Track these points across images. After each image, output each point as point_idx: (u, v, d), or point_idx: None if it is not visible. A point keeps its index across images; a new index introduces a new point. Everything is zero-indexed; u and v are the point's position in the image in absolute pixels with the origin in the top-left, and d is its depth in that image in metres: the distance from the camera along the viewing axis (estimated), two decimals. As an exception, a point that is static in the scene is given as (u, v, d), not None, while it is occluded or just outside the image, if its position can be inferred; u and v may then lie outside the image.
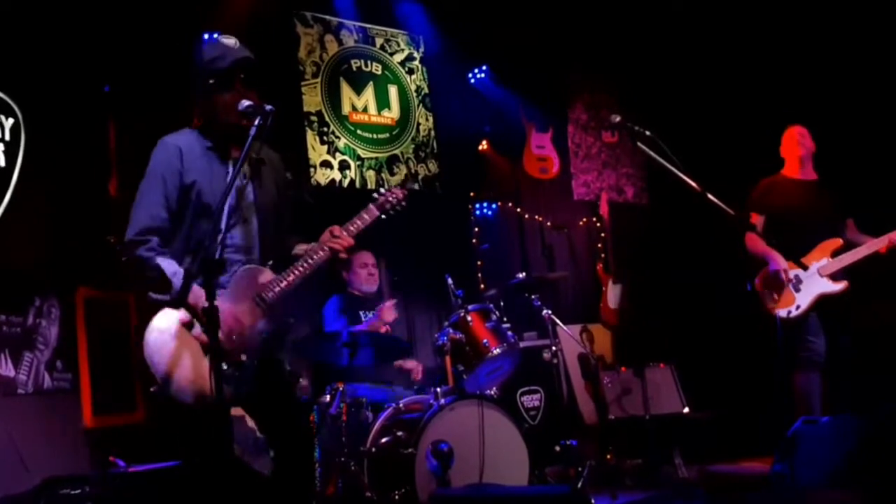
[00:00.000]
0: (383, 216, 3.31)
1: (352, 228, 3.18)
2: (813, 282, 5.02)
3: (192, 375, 2.82)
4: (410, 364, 5.54)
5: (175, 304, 2.88)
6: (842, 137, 6.17)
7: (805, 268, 4.96)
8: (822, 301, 4.99)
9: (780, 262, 5.06)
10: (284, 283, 3.00)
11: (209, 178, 3.03)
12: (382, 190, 3.37)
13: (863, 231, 5.19)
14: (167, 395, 2.81)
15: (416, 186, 6.89)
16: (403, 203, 3.36)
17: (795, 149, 5.30)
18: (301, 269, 3.02)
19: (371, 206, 3.29)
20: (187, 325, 2.88)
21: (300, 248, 3.19)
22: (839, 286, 4.99)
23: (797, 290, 5.04)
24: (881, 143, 6.55)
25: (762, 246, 5.14)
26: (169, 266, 2.89)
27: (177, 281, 2.87)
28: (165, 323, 2.89)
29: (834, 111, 6.46)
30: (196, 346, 2.88)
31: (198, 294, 2.83)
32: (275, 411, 3.07)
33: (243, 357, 2.89)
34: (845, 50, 6.75)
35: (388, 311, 5.18)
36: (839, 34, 6.77)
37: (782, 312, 5.04)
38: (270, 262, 3.07)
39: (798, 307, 5.02)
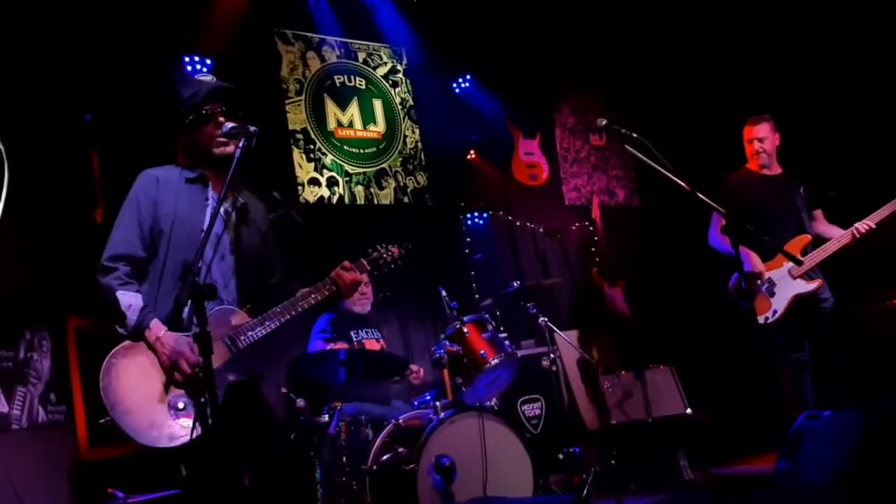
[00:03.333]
0: (375, 272, 3.32)
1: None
2: (786, 284, 4.96)
3: (148, 417, 2.76)
4: (412, 367, 5.48)
5: (132, 338, 2.84)
6: (813, 128, 6.23)
7: (797, 261, 4.84)
8: (799, 301, 4.92)
9: (755, 264, 4.97)
10: (262, 331, 2.96)
11: (186, 207, 3.02)
12: (380, 246, 3.36)
13: (832, 222, 5.15)
14: (119, 430, 2.74)
15: (406, 199, 6.87)
16: (399, 262, 3.36)
17: (754, 158, 5.25)
18: (279, 321, 2.99)
19: (362, 260, 3.29)
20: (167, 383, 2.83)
21: (303, 292, 3.15)
22: (813, 285, 4.93)
23: (771, 294, 4.97)
24: (847, 131, 6.61)
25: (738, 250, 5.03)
26: (126, 299, 2.85)
27: (131, 315, 2.82)
28: (126, 356, 2.83)
29: (808, 102, 6.51)
30: (155, 384, 2.81)
31: (156, 330, 2.81)
32: (250, 442, 3.00)
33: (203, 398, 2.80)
34: (819, 44, 6.82)
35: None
36: (817, 28, 6.84)
37: (760, 319, 4.95)
38: (248, 306, 3.03)
39: (775, 312, 4.93)
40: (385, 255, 3.34)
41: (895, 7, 6.28)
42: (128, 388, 2.77)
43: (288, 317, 3.01)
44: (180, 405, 2.80)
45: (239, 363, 2.93)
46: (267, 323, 2.97)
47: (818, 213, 5.22)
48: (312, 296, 3.09)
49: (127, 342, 2.85)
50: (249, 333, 2.94)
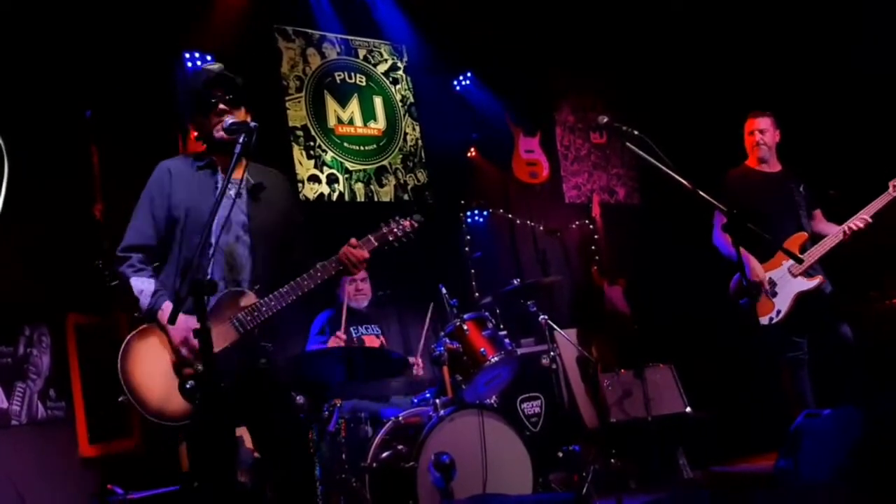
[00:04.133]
0: (385, 247, 3.26)
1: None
2: (787, 283, 4.96)
3: (159, 394, 2.85)
4: (411, 360, 5.47)
5: (148, 320, 2.94)
6: (812, 126, 6.22)
7: (798, 259, 4.83)
8: (801, 299, 4.93)
9: (756, 271, 4.97)
10: (268, 312, 3.00)
11: (198, 196, 3.07)
12: (392, 220, 3.29)
13: (831, 220, 5.14)
14: (134, 408, 2.82)
15: (406, 197, 6.86)
16: (411, 235, 3.30)
17: (755, 150, 5.23)
18: (285, 302, 3.02)
19: (370, 236, 3.24)
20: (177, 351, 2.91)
21: (309, 272, 3.15)
22: (814, 282, 4.93)
23: (774, 294, 4.97)
24: (846, 129, 6.61)
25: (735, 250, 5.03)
26: (138, 284, 2.95)
27: (143, 299, 2.93)
28: (142, 338, 2.92)
29: (807, 100, 6.50)
30: (167, 364, 2.91)
31: (166, 311, 2.89)
32: (262, 422, 3.08)
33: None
34: (819, 42, 6.82)
35: None
36: (817, 27, 6.84)
37: (764, 320, 4.95)
38: (257, 287, 3.06)
39: (779, 312, 4.94)
40: (396, 230, 3.25)
41: (894, 7, 6.28)
42: (143, 368, 2.87)
43: (294, 297, 3.03)
44: (189, 385, 2.88)
45: (246, 344, 2.98)
46: (273, 304, 3.01)
47: (817, 212, 5.23)
48: (318, 274, 3.10)
49: (142, 326, 2.94)
50: (256, 314, 2.98)
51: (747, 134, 5.29)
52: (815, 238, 5.07)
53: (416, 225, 3.30)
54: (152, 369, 2.88)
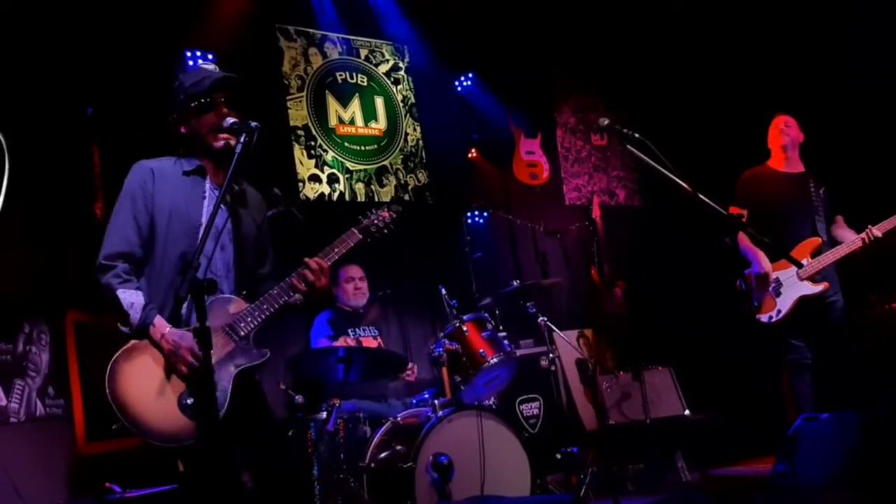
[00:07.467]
0: (368, 240, 3.20)
1: (333, 254, 3.08)
2: (792, 285, 4.95)
3: (157, 416, 2.71)
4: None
5: (136, 337, 2.79)
6: (831, 129, 6.18)
7: (799, 265, 4.83)
8: (804, 303, 4.92)
9: (763, 264, 4.98)
10: (260, 316, 2.92)
11: (183, 200, 2.97)
12: (370, 212, 3.24)
13: (851, 227, 5.12)
14: (130, 433, 2.68)
15: (407, 197, 6.86)
16: (392, 226, 3.24)
17: (778, 138, 5.19)
18: (276, 304, 2.93)
19: (353, 229, 3.18)
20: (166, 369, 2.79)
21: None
22: (819, 288, 4.92)
23: (777, 294, 4.97)
24: (870, 135, 6.56)
25: (748, 244, 5.03)
26: (126, 297, 2.79)
27: (133, 313, 2.77)
28: (130, 358, 2.78)
29: (822, 102, 6.47)
30: (160, 382, 2.77)
31: (160, 327, 2.77)
32: (252, 440, 2.97)
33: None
34: (821, 41, 6.79)
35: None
36: (819, 26, 6.82)
37: (764, 318, 4.96)
38: (244, 293, 2.99)
39: (779, 312, 4.94)
40: (377, 221, 3.22)
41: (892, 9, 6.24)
42: (135, 390, 2.72)
43: (283, 300, 2.95)
44: (189, 402, 2.76)
45: (242, 352, 2.90)
46: (265, 307, 2.92)
47: (839, 217, 5.16)
48: (289, 292, 2.99)
49: (129, 343, 2.79)
50: (249, 320, 2.90)
51: (773, 130, 5.24)
52: (833, 243, 5.04)
53: (394, 215, 3.25)
54: (146, 390, 2.73)
